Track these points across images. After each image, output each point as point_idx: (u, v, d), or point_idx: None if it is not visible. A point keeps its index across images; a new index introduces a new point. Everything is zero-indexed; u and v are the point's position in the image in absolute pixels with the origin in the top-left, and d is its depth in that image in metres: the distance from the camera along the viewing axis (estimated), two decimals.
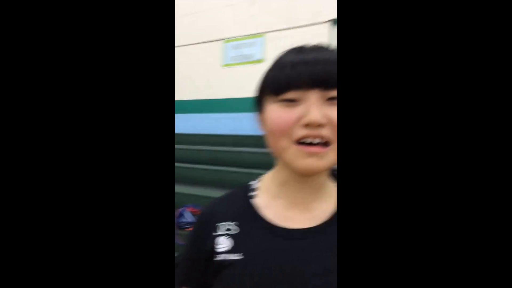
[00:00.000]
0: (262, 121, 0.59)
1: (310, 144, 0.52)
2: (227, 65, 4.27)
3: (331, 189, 0.61)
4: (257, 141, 2.92)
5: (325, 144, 0.52)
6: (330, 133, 0.51)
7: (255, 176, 0.66)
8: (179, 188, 2.95)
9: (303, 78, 0.51)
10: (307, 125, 0.51)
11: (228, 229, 0.58)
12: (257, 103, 0.60)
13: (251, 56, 4.11)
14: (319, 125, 0.51)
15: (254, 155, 3.23)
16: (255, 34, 4.06)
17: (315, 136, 0.51)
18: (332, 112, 0.51)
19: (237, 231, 0.58)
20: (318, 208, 0.58)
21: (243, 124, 3.73)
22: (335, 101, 0.52)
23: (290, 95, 0.52)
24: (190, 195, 2.88)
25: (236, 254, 0.55)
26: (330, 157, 0.53)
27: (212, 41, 4.35)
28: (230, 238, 0.57)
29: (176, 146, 3.29)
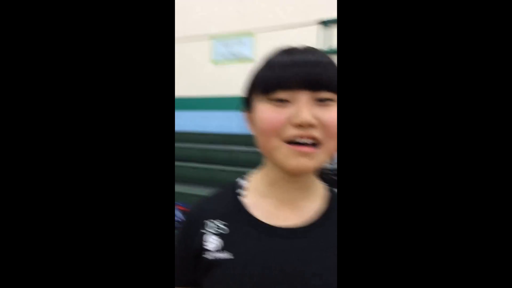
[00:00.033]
0: (251, 121, 0.59)
1: (301, 144, 0.52)
2: (215, 61, 4.25)
3: (319, 188, 0.62)
4: (247, 139, 2.92)
5: (316, 144, 0.53)
6: (320, 134, 0.52)
7: (245, 175, 0.67)
8: None
9: (293, 79, 0.52)
10: (299, 126, 0.52)
11: (217, 228, 0.58)
12: (246, 103, 0.60)
13: (240, 54, 4.10)
14: (310, 126, 0.52)
15: (244, 154, 3.23)
16: (244, 32, 4.05)
17: (306, 137, 0.52)
18: (322, 113, 0.52)
19: (226, 230, 0.58)
20: (307, 206, 0.59)
21: (233, 122, 3.73)
22: (325, 103, 0.53)
23: (280, 95, 0.53)
24: (180, 194, 2.87)
25: (225, 253, 0.56)
26: (320, 157, 0.54)
27: (202, 37, 4.32)
28: (218, 237, 0.57)
29: None
